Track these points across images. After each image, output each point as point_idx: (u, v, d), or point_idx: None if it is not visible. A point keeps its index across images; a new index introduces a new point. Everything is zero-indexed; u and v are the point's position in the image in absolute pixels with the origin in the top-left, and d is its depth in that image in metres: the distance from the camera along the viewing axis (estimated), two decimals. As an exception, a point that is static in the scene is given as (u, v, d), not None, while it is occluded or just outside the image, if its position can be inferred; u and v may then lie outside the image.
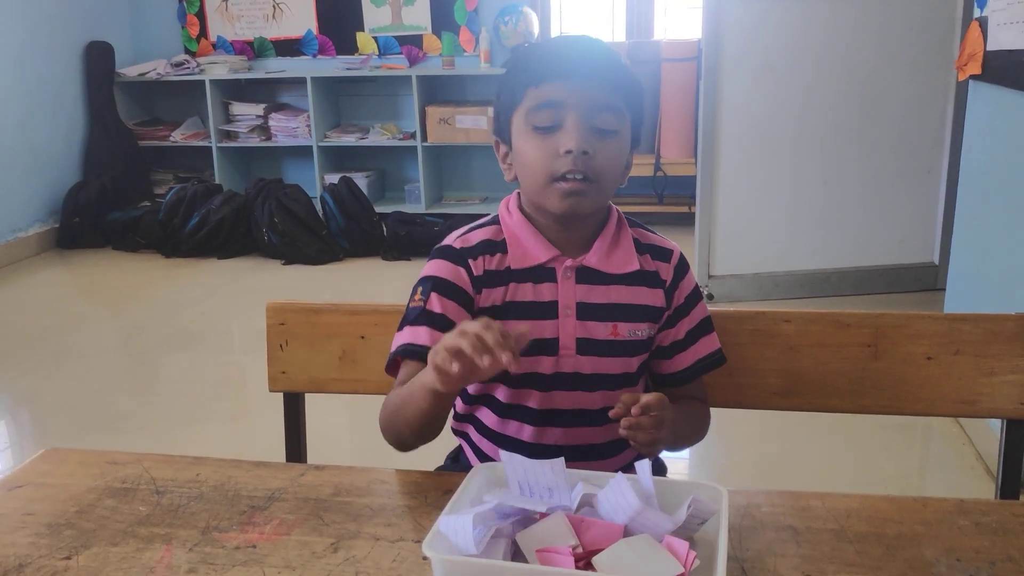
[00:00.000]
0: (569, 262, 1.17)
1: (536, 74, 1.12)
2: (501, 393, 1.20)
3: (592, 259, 1.17)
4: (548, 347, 1.16)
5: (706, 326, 1.23)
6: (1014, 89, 2.34)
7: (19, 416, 3.07)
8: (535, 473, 0.87)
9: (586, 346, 1.16)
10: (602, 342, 1.16)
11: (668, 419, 1.04)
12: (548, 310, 1.16)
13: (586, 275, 1.17)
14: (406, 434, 1.13)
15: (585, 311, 1.16)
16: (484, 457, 1.26)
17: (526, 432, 1.20)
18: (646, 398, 1.01)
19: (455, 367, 0.93)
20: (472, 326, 0.93)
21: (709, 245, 3.76)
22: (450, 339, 0.94)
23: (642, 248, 1.21)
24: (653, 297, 1.19)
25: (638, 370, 1.21)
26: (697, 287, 1.25)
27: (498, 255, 1.17)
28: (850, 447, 2.58)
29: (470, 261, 1.17)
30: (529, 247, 1.17)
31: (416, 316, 1.16)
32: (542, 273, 1.17)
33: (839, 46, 3.59)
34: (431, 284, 1.17)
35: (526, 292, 1.16)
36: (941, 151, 3.72)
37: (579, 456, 1.17)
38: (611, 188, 1.15)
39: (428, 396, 1.03)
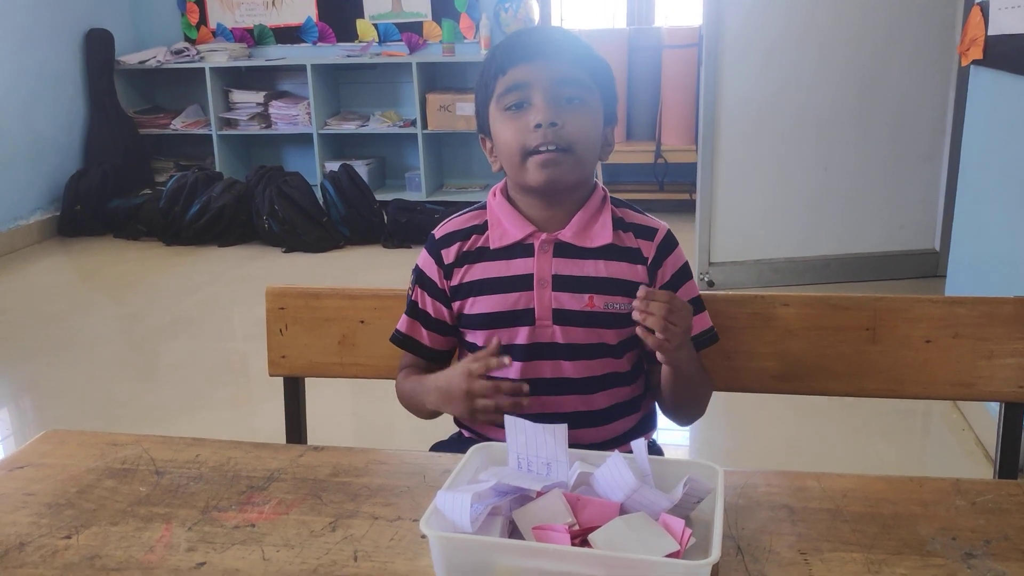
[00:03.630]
0: (545, 236, 1.21)
1: (502, 64, 1.19)
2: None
3: (567, 233, 1.21)
4: (525, 317, 1.20)
5: (697, 305, 1.24)
6: (1015, 74, 2.33)
7: (21, 403, 3.08)
8: (536, 441, 0.88)
9: (561, 316, 1.20)
10: (577, 313, 1.20)
11: (681, 315, 1.08)
12: (523, 283, 1.21)
13: (563, 249, 1.21)
14: (419, 416, 1.30)
15: (560, 283, 1.20)
16: (476, 432, 1.30)
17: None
18: (653, 291, 1.09)
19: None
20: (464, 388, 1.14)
21: (710, 232, 3.76)
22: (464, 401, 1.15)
23: (626, 226, 1.24)
24: (632, 272, 1.21)
25: (620, 344, 1.22)
26: (686, 265, 1.26)
27: (474, 237, 1.25)
28: (848, 431, 2.59)
29: (442, 251, 1.25)
30: (508, 226, 1.23)
31: (407, 304, 1.30)
32: (519, 249, 1.22)
33: (840, 32, 3.58)
34: (416, 275, 1.29)
35: (501, 268, 1.22)
36: (942, 137, 3.71)
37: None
38: (588, 158, 1.20)
39: (435, 408, 1.23)
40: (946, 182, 3.70)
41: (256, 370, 3.15)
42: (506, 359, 1.15)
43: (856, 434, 2.58)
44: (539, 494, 0.87)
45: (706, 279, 3.75)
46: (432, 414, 1.27)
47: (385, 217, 4.78)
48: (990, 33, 2.44)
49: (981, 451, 2.45)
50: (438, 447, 1.35)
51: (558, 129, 1.15)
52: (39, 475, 1.05)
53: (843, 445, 2.54)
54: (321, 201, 4.78)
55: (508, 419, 0.90)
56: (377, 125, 5.39)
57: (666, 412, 1.29)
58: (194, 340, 3.53)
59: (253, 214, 4.75)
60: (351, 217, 4.71)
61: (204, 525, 0.94)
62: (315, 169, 5.34)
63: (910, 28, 3.59)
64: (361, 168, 5.14)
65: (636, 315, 1.08)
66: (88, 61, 5.33)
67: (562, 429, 0.88)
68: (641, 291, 1.08)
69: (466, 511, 0.81)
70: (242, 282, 4.24)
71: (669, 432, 2.47)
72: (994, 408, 1.35)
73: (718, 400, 1.29)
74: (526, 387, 1.15)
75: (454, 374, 1.17)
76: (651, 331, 1.08)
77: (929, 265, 3.82)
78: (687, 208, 4.53)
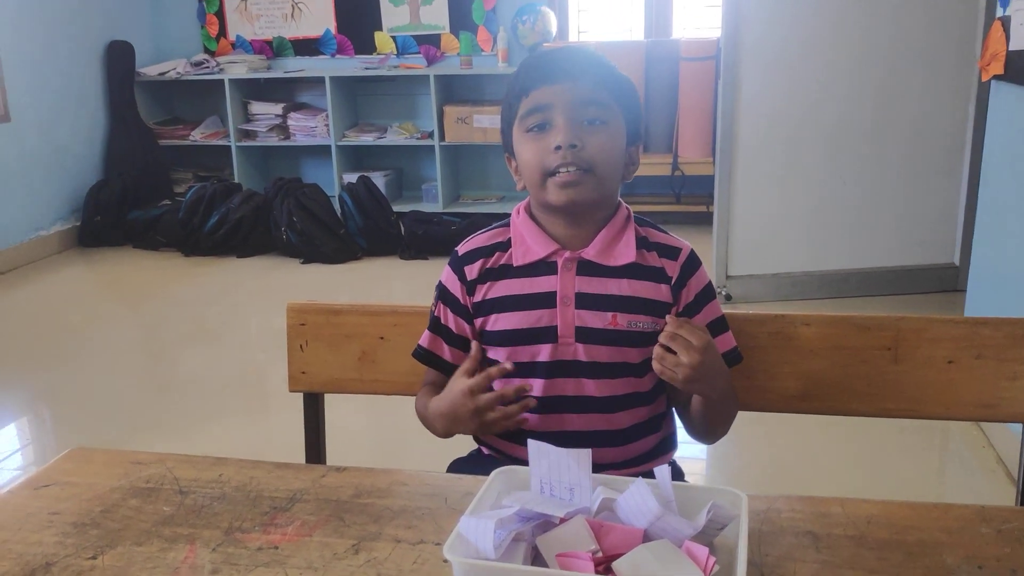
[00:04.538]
0: (568, 254, 1.22)
1: (525, 85, 1.21)
2: (505, 382, 1.23)
3: (591, 252, 1.22)
4: (547, 335, 1.21)
5: (720, 325, 1.24)
6: (1037, 90, 2.32)
7: (40, 412, 3.10)
8: (559, 466, 0.88)
9: (584, 335, 1.20)
10: (600, 331, 1.20)
11: (683, 344, 1.09)
12: (546, 300, 1.21)
13: (586, 267, 1.22)
14: (437, 436, 1.28)
15: (584, 301, 1.21)
16: (495, 449, 1.30)
17: (531, 420, 1.23)
18: (671, 324, 1.11)
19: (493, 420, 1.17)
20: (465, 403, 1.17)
21: (727, 245, 3.75)
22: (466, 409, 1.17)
23: (649, 245, 1.24)
24: (656, 292, 1.22)
25: (642, 363, 1.22)
26: (710, 285, 1.26)
27: (497, 254, 1.25)
28: (869, 451, 2.57)
29: (465, 268, 1.26)
30: (531, 244, 1.24)
31: (430, 320, 1.30)
32: (543, 267, 1.23)
33: (859, 46, 3.57)
34: (439, 291, 1.29)
35: (524, 285, 1.23)
36: (962, 151, 3.69)
37: (583, 444, 1.19)
38: (609, 178, 1.20)
39: (445, 429, 1.23)
40: (966, 196, 3.67)
41: (274, 382, 3.16)
42: (507, 364, 1.17)
43: (875, 451, 2.56)
44: (562, 520, 0.86)
45: (723, 292, 3.74)
46: (442, 436, 1.27)
47: (402, 229, 4.80)
48: (1011, 48, 2.43)
49: (1002, 469, 2.42)
50: (457, 463, 1.36)
51: (578, 151, 1.16)
52: (64, 494, 1.05)
53: (863, 465, 2.52)
54: (339, 213, 4.80)
55: (531, 443, 0.90)
56: (394, 137, 5.42)
57: (691, 432, 1.29)
58: (213, 351, 3.55)
59: (271, 225, 4.77)
60: (368, 229, 4.72)
61: (228, 546, 0.94)
62: (333, 181, 5.37)
63: (929, 42, 3.57)
64: (379, 180, 5.16)
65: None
66: (109, 73, 5.38)
67: (586, 454, 0.88)
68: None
69: (490, 537, 0.81)
70: (260, 293, 4.26)
71: (688, 447, 2.46)
72: (1017, 428, 1.34)
73: (738, 420, 1.29)
74: (529, 385, 1.18)
75: (455, 396, 1.18)
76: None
77: (949, 280, 3.80)
78: (704, 220, 4.52)
